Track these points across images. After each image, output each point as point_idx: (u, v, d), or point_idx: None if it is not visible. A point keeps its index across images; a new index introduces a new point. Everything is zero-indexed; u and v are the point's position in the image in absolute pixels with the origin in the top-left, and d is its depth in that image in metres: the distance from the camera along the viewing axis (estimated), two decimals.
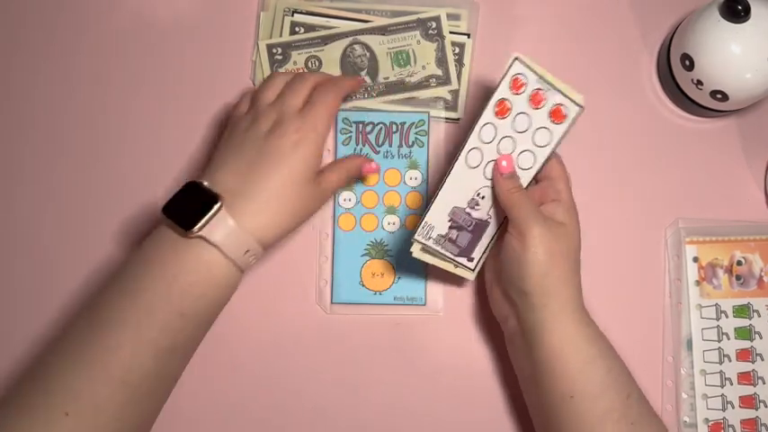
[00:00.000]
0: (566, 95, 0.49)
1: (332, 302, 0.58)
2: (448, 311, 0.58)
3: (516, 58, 0.48)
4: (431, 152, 0.59)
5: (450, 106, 0.60)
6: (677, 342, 0.57)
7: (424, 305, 0.58)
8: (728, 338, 0.57)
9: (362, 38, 0.60)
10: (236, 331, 0.57)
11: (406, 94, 0.60)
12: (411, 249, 0.50)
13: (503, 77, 0.48)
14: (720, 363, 0.57)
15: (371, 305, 0.57)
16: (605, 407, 0.47)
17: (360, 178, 0.58)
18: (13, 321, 0.57)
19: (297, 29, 0.60)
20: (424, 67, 0.60)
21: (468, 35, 0.60)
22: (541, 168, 0.51)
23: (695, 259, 0.58)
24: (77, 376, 0.43)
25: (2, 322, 0.58)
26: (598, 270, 0.55)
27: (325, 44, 0.60)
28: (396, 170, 0.59)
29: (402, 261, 0.58)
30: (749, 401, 0.56)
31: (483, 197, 0.50)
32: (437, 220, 0.50)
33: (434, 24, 0.60)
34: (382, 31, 0.60)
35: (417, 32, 0.60)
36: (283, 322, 0.57)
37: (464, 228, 0.51)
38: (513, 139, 0.50)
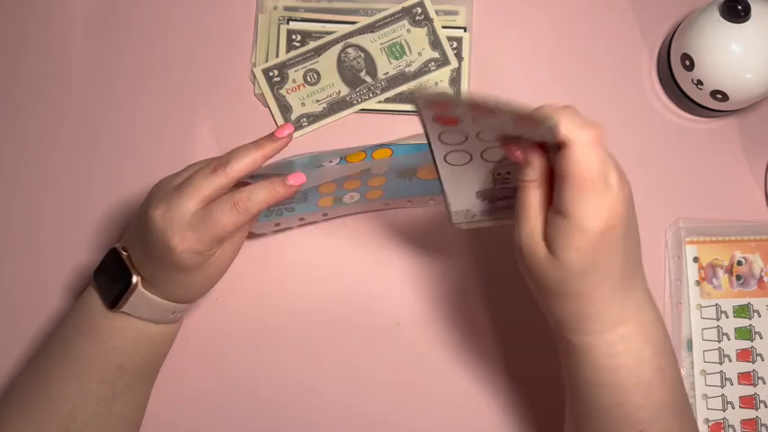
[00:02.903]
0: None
1: None
2: (447, 311, 0.58)
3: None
4: None
5: None
6: (677, 342, 0.57)
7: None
8: (729, 339, 0.57)
9: (353, 40, 0.60)
10: (235, 330, 0.57)
11: (411, 84, 0.60)
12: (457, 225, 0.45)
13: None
14: (720, 363, 0.57)
15: None
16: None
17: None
18: None
19: (294, 36, 0.60)
20: (420, 54, 0.60)
21: (465, 29, 0.60)
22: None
23: (695, 259, 0.58)
24: (25, 427, 0.46)
25: None
26: None
27: (319, 55, 0.60)
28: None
29: None
30: (749, 402, 0.56)
31: (509, 171, 0.43)
32: (468, 204, 0.44)
33: (420, 10, 0.60)
34: (371, 28, 0.60)
35: (405, 21, 0.60)
36: (284, 321, 0.58)
37: (508, 196, 0.44)
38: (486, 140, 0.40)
